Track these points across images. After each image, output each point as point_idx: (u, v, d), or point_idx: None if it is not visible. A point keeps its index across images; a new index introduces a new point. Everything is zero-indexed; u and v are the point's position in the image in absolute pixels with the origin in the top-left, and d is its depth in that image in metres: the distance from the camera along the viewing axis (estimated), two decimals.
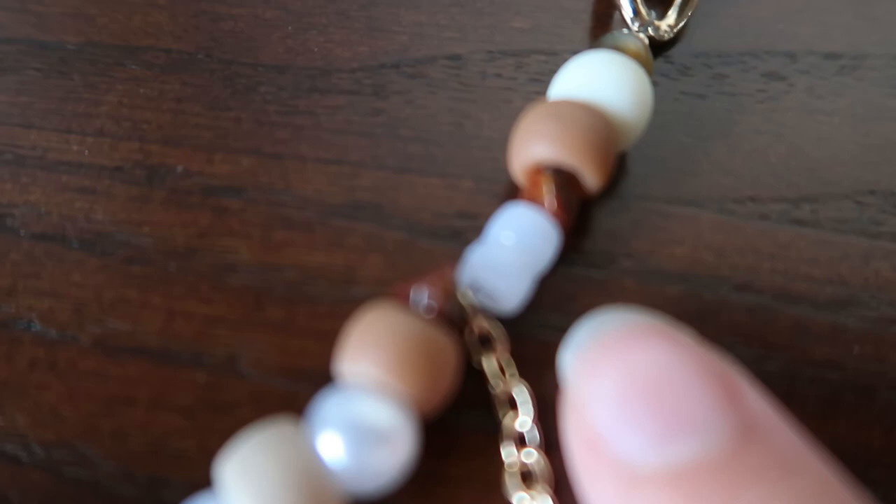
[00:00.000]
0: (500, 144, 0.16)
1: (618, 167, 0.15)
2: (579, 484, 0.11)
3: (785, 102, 0.17)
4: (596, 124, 0.14)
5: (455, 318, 0.13)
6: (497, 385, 0.13)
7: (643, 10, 0.17)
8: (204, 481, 0.12)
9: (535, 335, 0.14)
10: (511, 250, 0.13)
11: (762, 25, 0.18)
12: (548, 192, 0.14)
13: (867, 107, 0.17)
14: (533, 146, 0.14)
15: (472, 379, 0.13)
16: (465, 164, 0.16)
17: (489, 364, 0.13)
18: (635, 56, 0.15)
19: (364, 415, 0.11)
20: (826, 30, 0.18)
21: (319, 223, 0.15)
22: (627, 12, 0.17)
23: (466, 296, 0.13)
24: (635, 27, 0.17)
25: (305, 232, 0.15)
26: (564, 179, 0.14)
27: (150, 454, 0.13)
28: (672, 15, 0.17)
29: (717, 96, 0.17)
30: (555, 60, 0.18)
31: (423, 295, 0.12)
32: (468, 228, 0.15)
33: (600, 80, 0.14)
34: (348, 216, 0.16)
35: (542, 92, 0.17)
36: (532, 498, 0.12)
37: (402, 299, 0.13)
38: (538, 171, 0.14)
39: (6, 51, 0.18)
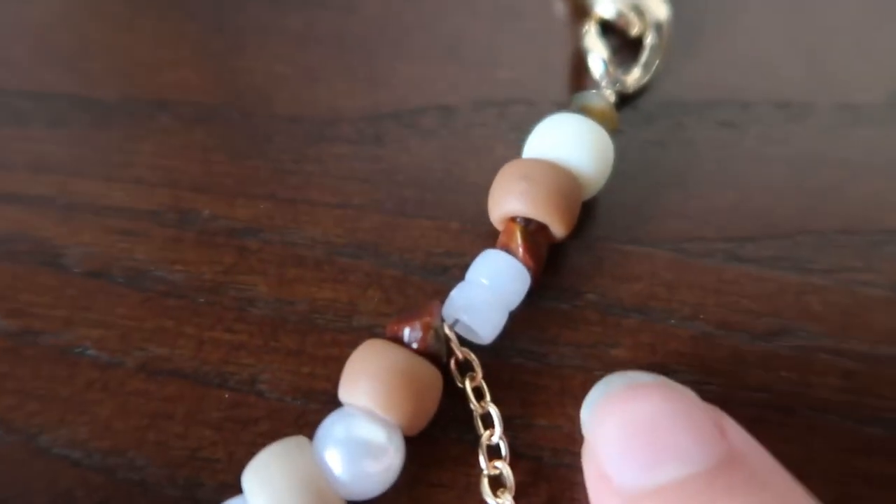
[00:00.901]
0: (483, 189, 0.18)
1: (583, 213, 0.18)
2: None
3: (736, 150, 0.19)
4: (561, 182, 0.16)
5: (439, 349, 0.15)
6: (475, 405, 0.15)
7: (611, 67, 0.19)
8: (232, 483, 0.15)
9: (510, 360, 0.16)
10: (487, 291, 0.16)
11: (720, 76, 0.20)
12: (519, 241, 0.16)
13: (809, 154, 0.19)
14: (506, 202, 0.16)
15: (455, 398, 0.16)
16: (452, 208, 0.19)
17: (468, 387, 0.15)
18: (600, 115, 0.18)
19: (359, 435, 0.14)
20: (779, 81, 0.20)
21: (326, 261, 0.18)
22: (597, 71, 0.19)
23: (447, 331, 0.15)
24: (604, 83, 0.19)
25: (314, 269, 0.18)
26: (534, 229, 0.16)
27: (188, 461, 0.16)
28: (637, 71, 0.19)
29: (676, 144, 0.19)
30: (534, 110, 0.20)
31: (409, 331, 0.15)
32: (454, 266, 0.18)
33: (567, 142, 0.17)
34: (351, 255, 0.18)
35: (521, 140, 0.19)
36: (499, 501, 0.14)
37: (393, 336, 0.15)
38: (512, 221, 0.16)
39: (58, 106, 0.21)
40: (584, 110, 0.17)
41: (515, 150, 0.18)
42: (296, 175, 0.19)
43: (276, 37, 0.21)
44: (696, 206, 0.18)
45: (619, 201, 0.18)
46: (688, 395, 0.13)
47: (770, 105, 0.20)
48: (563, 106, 0.19)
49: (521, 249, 0.16)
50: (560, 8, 0.21)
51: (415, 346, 0.15)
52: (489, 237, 0.18)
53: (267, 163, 0.19)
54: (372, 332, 0.17)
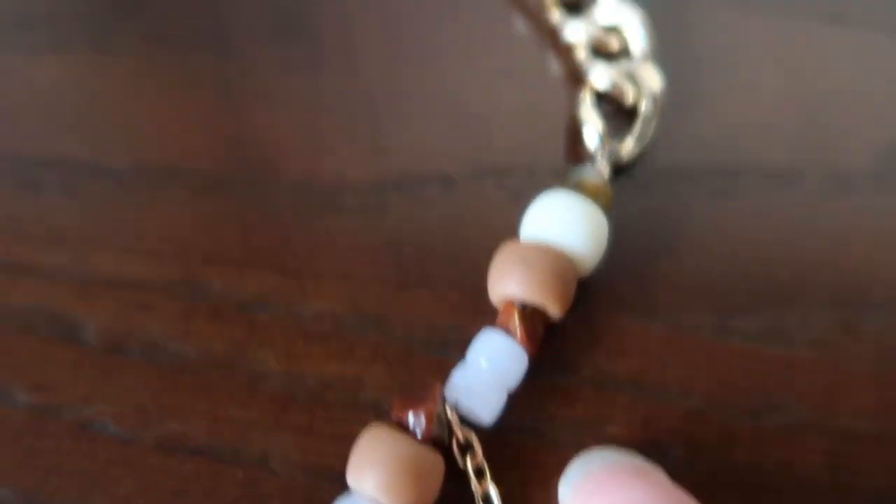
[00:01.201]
0: (483, 260, 0.19)
1: (579, 287, 0.18)
2: None
3: (728, 219, 0.20)
4: (557, 266, 0.17)
5: (441, 433, 0.16)
6: (476, 487, 0.16)
7: (606, 140, 0.20)
8: None
9: (509, 437, 0.17)
10: (486, 374, 0.16)
11: (713, 144, 0.21)
12: (517, 324, 0.17)
13: (799, 223, 0.20)
14: (505, 286, 0.17)
15: (457, 478, 0.17)
16: (453, 280, 0.19)
17: (470, 467, 0.16)
18: (594, 191, 0.18)
19: None
20: (770, 148, 0.21)
21: (333, 335, 0.19)
22: (592, 143, 0.20)
23: (449, 413, 0.16)
24: (599, 155, 0.19)
25: (321, 343, 0.19)
26: (531, 312, 0.17)
27: None
28: (630, 142, 0.20)
29: (668, 213, 0.20)
30: (533, 179, 0.20)
31: (413, 418, 0.16)
32: (455, 339, 0.18)
33: (562, 223, 0.17)
34: (357, 328, 0.19)
35: (521, 208, 0.19)
36: None
37: (398, 420, 0.16)
38: (510, 304, 0.17)
39: (71, 174, 0.21)
40: (580, 186, 0.18)
41: (515, 219, 0.19)
42: (303, 246, 0.20)
43: (281, 102, 0.22)
44: (688, 277, 0.19)
45: (612, 273, 0.19)
46: (664, 482, 0.14)
47: (761, 173, 0.20)
48: (561, 173, 0.19)
49: (519, 331, 0.17)
50: (556, 68, 0.22)
51: (419, 433, 0.16)
52: (489, 312, 0.18)
53: (275, 234, 0.20)
54: (378, 409, 0.18)
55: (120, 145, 0.22)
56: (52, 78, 0.23)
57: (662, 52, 0.21)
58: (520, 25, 0.23)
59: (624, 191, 0.20)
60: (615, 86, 0.20)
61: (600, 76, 0.20)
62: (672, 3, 0.23)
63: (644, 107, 0.20)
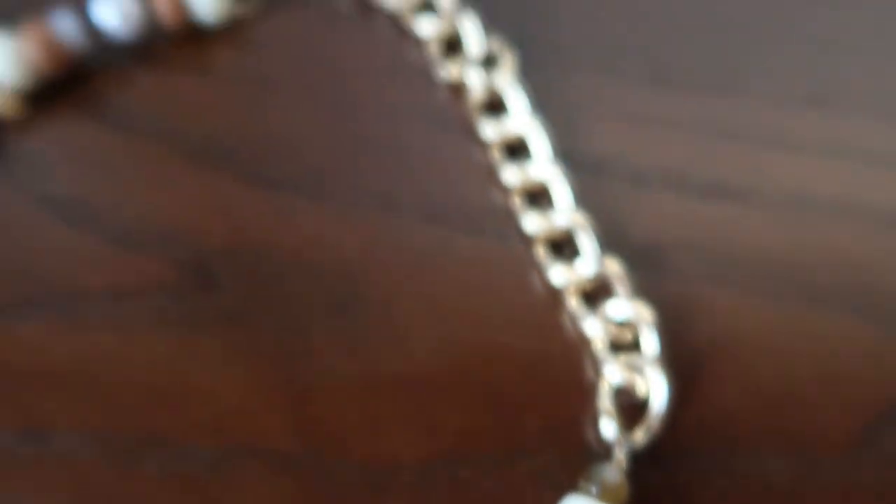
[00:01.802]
0: None
1: None
2: None
3: (728, 501, 0.23)
4: None
5: None
6: None
7: (622, 434, 0.23)
8: None
9: None
10: None
11: (712, 428, 0.24)
12: None
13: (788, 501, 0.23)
14: None
15: None
16: None
17: None
18: (614, 494, 0.22)
19: None
20: (762, 428, 0.24)
21: None
22: (609, 434, 0.23)
23: None
24: (616, 448, 0.23)
25: None
26: None
27: None
28: (641, 433, 0.23)
29: (674, 495, 0.23)
30: (561, 458, 0.24)
31: None
32: None
33: None
34: None
35: (550, 489, 0.23)
36: None
37: None
38: None
39: (165, 455, 0.25)
40: (602, 491, 0.22)
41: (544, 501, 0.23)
42: None
43: (340, 380, 0.26)
44: None
45: None
46: None
47: (757, 455, 0.24)
48: (585, 452, 0.23)
49: None
50: (579, 350, 0.26)
51: None
52: None
53: None
54: None
55: (206, 425, 0.25)
56: (143, 356, 0.26)
57: (669, 339, 0.25)
58: (548, 307, 0.27)
59: (639, 471, 0.24)
60: (627, 381, 0.24)
61: (614, 373, 0.24)
62: (677, 286, 0.26)
63: (653, 405, 0.23)
